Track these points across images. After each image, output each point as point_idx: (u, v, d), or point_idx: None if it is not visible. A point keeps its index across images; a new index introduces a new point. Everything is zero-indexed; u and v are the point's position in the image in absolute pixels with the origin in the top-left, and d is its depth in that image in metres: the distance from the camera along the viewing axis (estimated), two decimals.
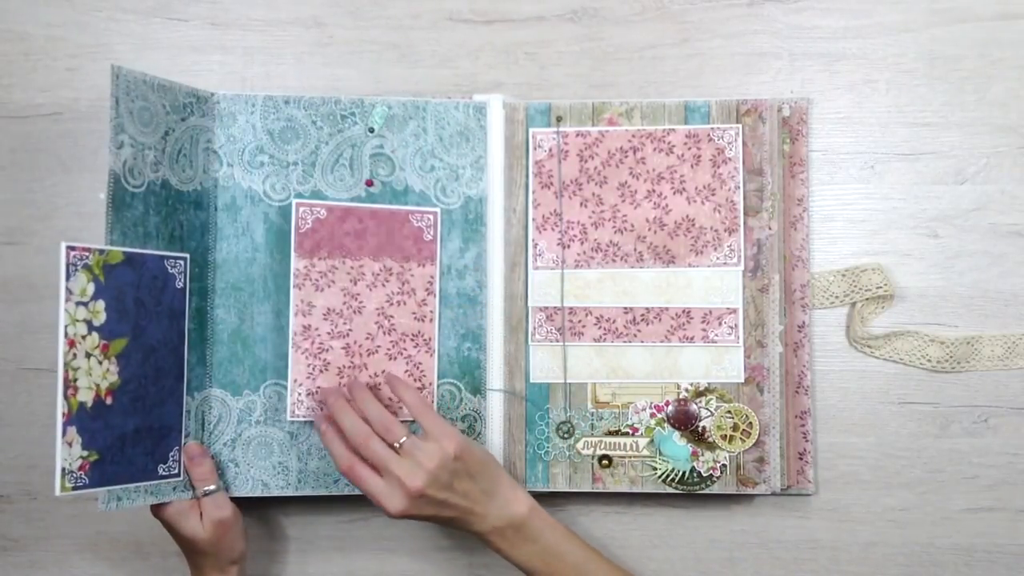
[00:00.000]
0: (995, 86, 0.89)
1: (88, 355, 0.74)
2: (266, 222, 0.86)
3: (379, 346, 0.86)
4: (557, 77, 0.91)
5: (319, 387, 0.84)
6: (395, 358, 0.85)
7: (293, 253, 0.85)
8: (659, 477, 0.86)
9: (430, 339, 0.86)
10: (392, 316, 0.86)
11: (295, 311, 0.85)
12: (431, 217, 0.86)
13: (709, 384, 0.86)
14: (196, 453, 0.82)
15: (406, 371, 0.86)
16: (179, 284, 0.82)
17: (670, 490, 0.86)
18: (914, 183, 0.90)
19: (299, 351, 0.84)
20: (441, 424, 0.79)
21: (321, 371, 0.85)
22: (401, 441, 0.77)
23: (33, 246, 0.91)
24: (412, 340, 0.86)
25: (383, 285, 0.86)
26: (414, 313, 0.86)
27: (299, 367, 0.85)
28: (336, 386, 0.84)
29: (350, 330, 0.85)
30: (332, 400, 0.80)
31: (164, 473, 0.80)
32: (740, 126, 0.87)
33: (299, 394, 0.85)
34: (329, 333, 0.85)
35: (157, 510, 0.81)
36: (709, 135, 0.87)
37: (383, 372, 0.85)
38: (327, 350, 0.85)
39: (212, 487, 0.82)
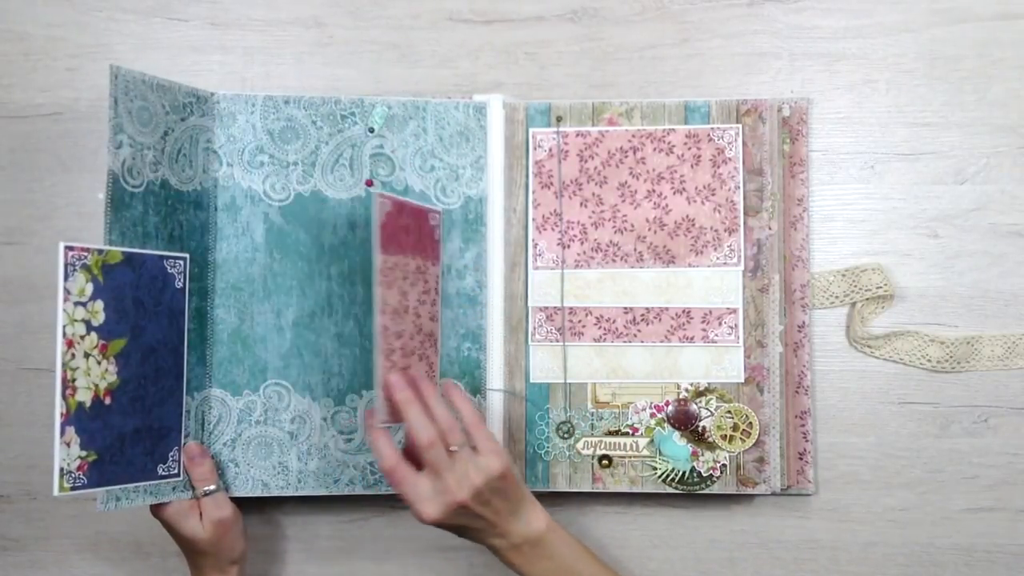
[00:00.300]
0: (995, 86, 0.89)
1: (87, 355, 0.74)
2: (266, 222, 0.86)
3: (415, 347, 0.83)
4: (557, 77, 0.91)
5: (388, 378, 0.78)
6: (422, 358, 0.84)
7: (379, 248, 0.77)
8: (659, 477, 0.86)
9: (437, 339, 0.86)
10: (420, 315, 0.84)
11: (380, 310, 0.78)
12: (438, 216, 0.86)
13: (709, 384, 0.86)
14: (196, 453, 0.82)
15: (426, 372, 0.84)
16: (179, 284, 0.82)
17: (670, 490, 0.86)
18: (914, 183, 0.90)
19: (380, 351, 0.79)
20: (492, 441, 0.78)
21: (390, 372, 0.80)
22: (456, 448, 0.76)
23: (33, 246, 0.91)
24: (429, 339, 0.85)
25: (417, 283, 0.83)
26: (430, 313, 0.85)
27: (379, 368, 0.79)
28: (407, 377, 0.79)
29: (403, 330, 0.81)
30: (405, 394, 0.77)
31: (164, 473, 0.80)
32: (740, 126, 0.87)
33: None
34: (395, 333, 0.80)
35: (157, 510, 0.81)
36: (709, 135, 0.87)
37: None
38: (394, 351, 0.80)
39: (212, 487, 0.82)
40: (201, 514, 0.81)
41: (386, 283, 0.78)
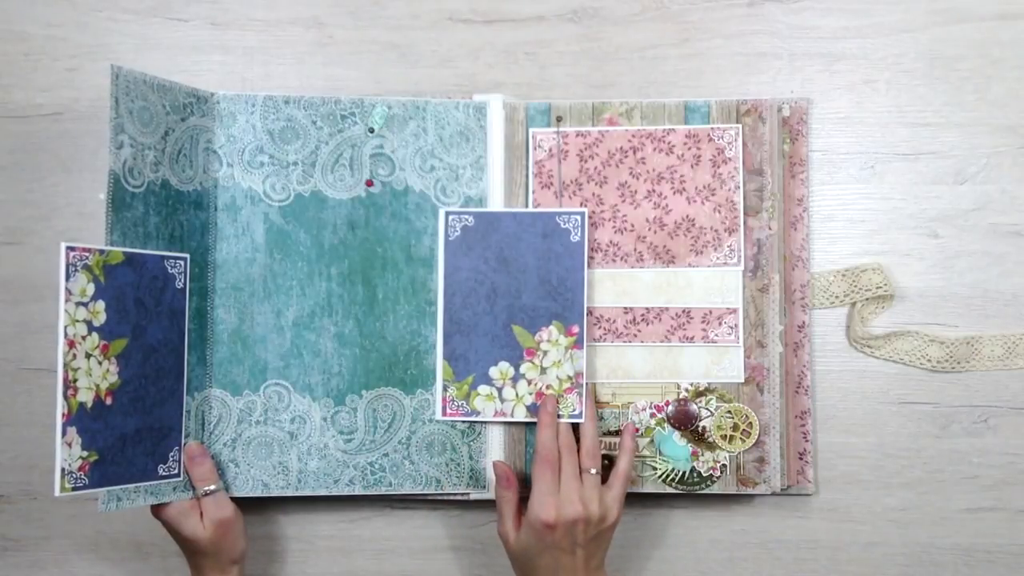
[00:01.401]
0: (995, 86, 0.89)
1: (88, 355, 0.74)
2: (266, 222, 0.86)
3: None
4: (557, 77, 0.91)
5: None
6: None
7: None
8: (659, 477, 0.86)
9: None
10: None
11: None
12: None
13: (709, 384, 0.86)
14: (196, 453, 0.82)
15: None
16: (179, 284, 0.82)
17: (670, 490, 0.86)
18: (914, 183, 0.90)
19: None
20: (623, 493, 0.81)
21: None
22: (593, 471, 0.80)
23: (33, 246, 0.91)
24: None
25: None
26: None
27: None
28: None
29: None
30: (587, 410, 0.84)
31: (164, 473, 0.80)
32: (740, 126, 0.87)
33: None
34: None
35: (158, 511, 0.81)
36: (709, 135, 0.87)
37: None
38: None
39: (212, 487, 0.82)
40: (202, 514, 0.81)
41: None
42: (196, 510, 0.81)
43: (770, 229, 0.87)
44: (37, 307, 0.91)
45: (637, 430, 0.85)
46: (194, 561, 0.83)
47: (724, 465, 0.86)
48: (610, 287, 0.87)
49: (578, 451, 0.82)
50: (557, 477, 0.79)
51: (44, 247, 0.91)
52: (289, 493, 0.86)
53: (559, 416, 0.83)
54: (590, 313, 0.87)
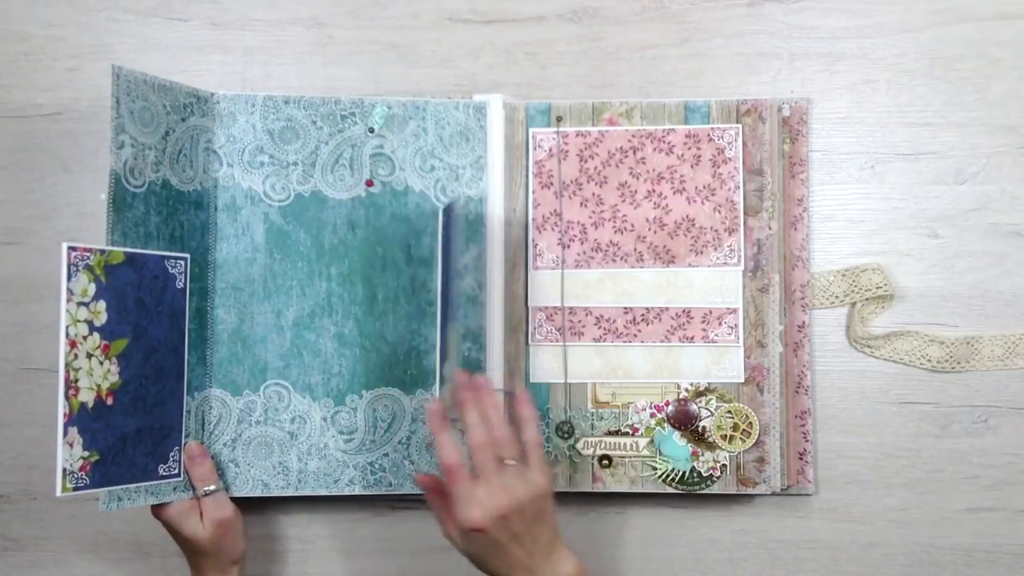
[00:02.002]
0: (995, 86, 0.90)
1: (89, 355, 0.74)
2: (266, 222, 0.86)
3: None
4: (557, 77, 0.91)
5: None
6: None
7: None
8: (659, 477, 0.86)
9: None
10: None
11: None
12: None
13: (709, 384, 0.86)
14: (196, 453, 0.82)
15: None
16: (179, 284, 0.82)
17: (670, 490, 0.86)
18: (914, 183, 0.90)
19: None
20: (544, 460, 0.77)
21: None
22: (511, 462, 0.75)
23: (33, 246, 0.91)
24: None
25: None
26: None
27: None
28: (475, 381, 0.79)
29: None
30: (471, 394, 0.77)
31: (164, 473, 0.80)
32: (740, 126, 0.87)
33: None
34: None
35: (158, 511, 0.81)
36: (709, 135, 0.87)
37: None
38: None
39: (212, 487, 0.82)
40: (202, 514, 0.81)
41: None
42: (196, 510, 0.81)
43: (770, 229, 0.87)
44: (37, 307, 0.91)
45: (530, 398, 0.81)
46: (194, 561, 0.83)
47: (724, 465, 0.86)
48: (610, 287, 0.87)
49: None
50: (468, 479, 0.74)
51: (44, 247, 0.91)
52: (289, 493, 0.86)
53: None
54: (590, 313, 0.87)
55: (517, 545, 0.74)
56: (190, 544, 0.81)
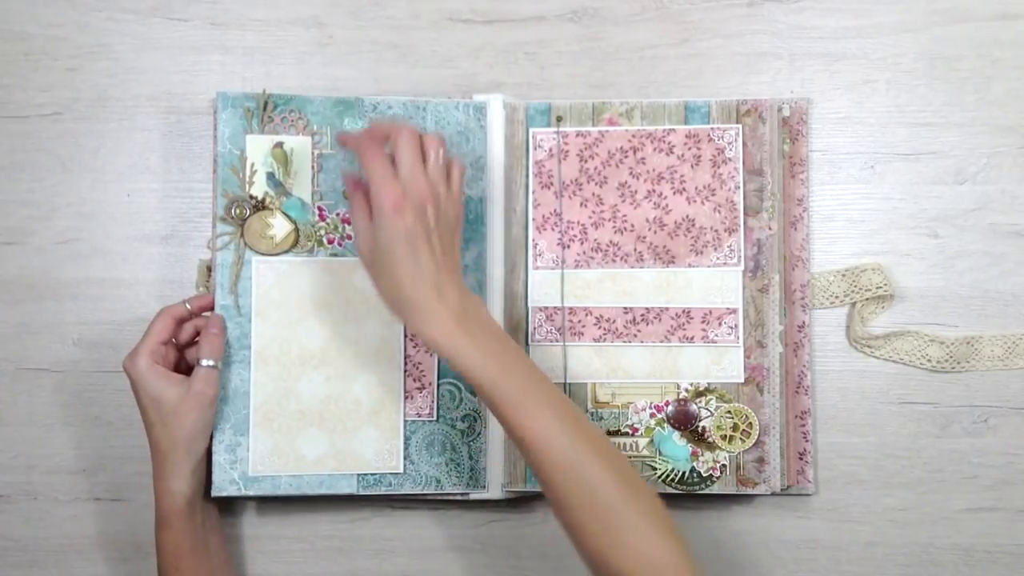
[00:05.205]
0: (995, 86, 0.89)
1: None
2: None
3: None
4: (557, 77, 0.91)
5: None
6: None
7: None
8: (659, 477, 0.86)
9: None
10: None
11: None
12: None
13: (709, 384, 0.86)
14: (218, 327, 0.81)
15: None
16: None
17: (670, 490, 0.86)
18: (914, 183, 0.90)
19: None
20: (463, 185, 0.77)
21: None
22: (435, 157, 0.74)
23: (33, 246, 0.91)
24: None
25: None
26: None
27: None
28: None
29: None
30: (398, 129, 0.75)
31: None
32: (740, 126, 0.87)
33: None
34: None
35: (132, 361, 0.79)
36: (709, 135, 0.87)
37: None
38: None
39: (213, 363, 0.81)
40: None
41: None
42: (171, 378, 0.79)
43: (770, 229, 0.87)
44: (37, 307, 0.90)
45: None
46: (155, 447, 0.79)
47: (724, 465, 0.86)
48: (610, 287, 0.87)
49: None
50: (390, 164, 0.72)
51: (44, 247, 0.91)
52: (289, 493, 0.86)
53: None
54: (590, 313, 0.87)
55: (428, 247, 0.72)
56: (152, 411, 0.78)
